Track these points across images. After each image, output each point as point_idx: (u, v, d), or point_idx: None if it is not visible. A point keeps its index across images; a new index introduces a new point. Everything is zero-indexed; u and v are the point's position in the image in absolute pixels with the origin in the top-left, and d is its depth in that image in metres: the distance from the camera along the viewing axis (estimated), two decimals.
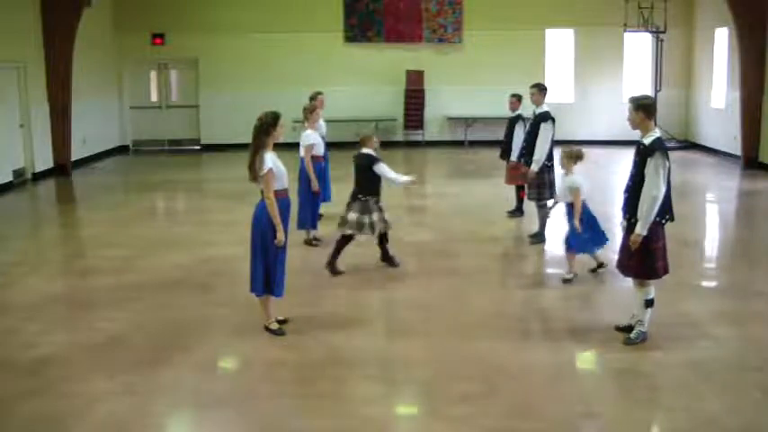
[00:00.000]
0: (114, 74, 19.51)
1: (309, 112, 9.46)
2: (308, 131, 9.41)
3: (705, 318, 6.74)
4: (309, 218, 9.37)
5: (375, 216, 7.86)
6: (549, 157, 9.41)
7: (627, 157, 17.62)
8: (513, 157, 10.27)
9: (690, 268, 8.55)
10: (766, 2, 15.08)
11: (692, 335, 6.28)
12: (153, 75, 20.22)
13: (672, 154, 20.25)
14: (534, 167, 9.27)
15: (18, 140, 14.64)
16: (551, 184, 9.31)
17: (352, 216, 7.86)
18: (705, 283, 8.16)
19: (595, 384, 5.44)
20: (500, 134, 10.30)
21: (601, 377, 5.58)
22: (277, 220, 6.17)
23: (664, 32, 18.54)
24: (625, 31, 18.71)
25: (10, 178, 14.21)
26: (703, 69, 18.86)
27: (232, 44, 19.36)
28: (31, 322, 6.75)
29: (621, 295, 7.18)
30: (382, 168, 7.84)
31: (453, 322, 6.65)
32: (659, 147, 5.98)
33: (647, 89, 19.66)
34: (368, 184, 7.91)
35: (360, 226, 7.82)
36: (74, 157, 16.17)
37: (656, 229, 6.05)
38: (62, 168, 15.69)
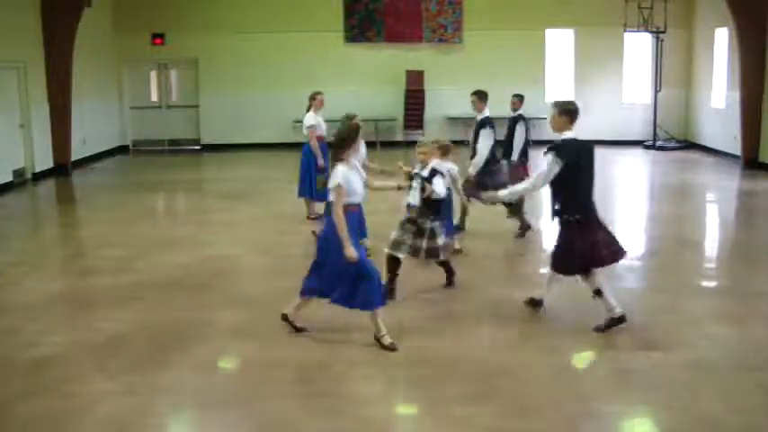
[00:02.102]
0: (114, 74, 19.52)
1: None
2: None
3: (705, 318, 6.73)
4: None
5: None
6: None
7: (627, 157, 17.71)
8: (514, 156, 10.27)
9: (690, 268, 8.56)
10: (766, 2, 15.08)
11: (692, 335, 6.28)
12: (153, 75, 20.23)
13: (672, 154, 20.20)
14: (472, 170, 9.60)
15: (18, 140, 14.65)
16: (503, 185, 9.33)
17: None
18: (705, 283, 8.16)
19: (595, 384, 5.44)
20: (500, 134, 10.30)
21: (601, 377, 5.58)
22: (344, 235, 5.76)
23: (664, 32, 18.54)
24: (625, 31, 18.71)
25: (10, 178, 14.21)
26: (703, 69, 18.86)
27: (232, 44, 19.37)
28: (31, 322, 6.75)
29: (622, 295, 7.17)
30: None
31: (453, 322, 6.65)
32: (558, 148, 6.16)
33: (647, 89, 19.71)
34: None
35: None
36: (74, 157, 16.18)
37: (569, 230, 6.23)
38: (62, 168, 15.69)
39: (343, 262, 5.79)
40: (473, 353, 5.90)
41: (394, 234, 7.15)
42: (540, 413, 4.95)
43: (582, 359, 5.96)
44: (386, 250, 7.14)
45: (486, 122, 9.66)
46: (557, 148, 6.15)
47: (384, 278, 6.62)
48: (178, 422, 5.11)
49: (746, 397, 5.16)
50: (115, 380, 5.48)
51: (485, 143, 9.59)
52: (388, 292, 6.78)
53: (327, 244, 5.97)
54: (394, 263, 7.14)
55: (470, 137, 10.38)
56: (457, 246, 8.64)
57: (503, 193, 6.70)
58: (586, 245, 6.18)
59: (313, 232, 9.32)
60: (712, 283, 8.19)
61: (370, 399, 5.19)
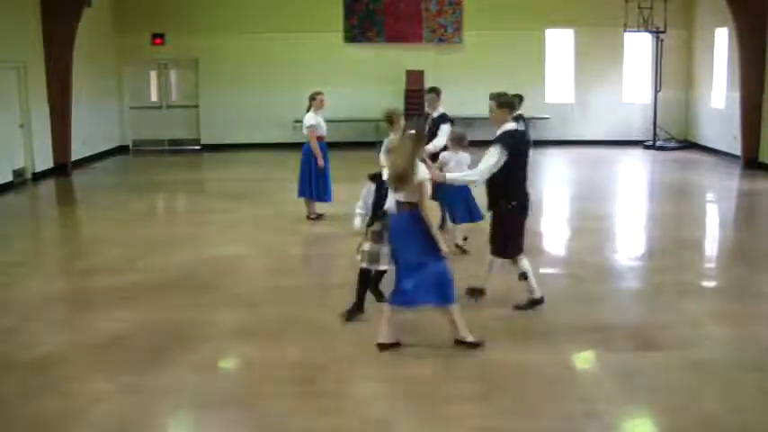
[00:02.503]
0: (114, 74, 19.51)
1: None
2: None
3: (705, 318, 6.73)
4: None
5: None
6: None
7: (627, 157, 17.71)
8: None
9: (690, 268, 8.56)
10: (766, 2, 15.08)
11: (692, 335, 6.28)
12: (153, 75, 20.21)
13: (672, 154, 20.17)
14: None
15: (18, 140, 14.64)
16: None
17: None
18: (705, 283, 8.16)
19: (595, 384, 5.44)
20: None
21: (601, 377, 5.58)
22: (435, 230, 5.77)
23: (664, 32, 18.53)
24: (625, 31, 18.70)
25: (10, 178, 14.20)
26: (703, 69, 18.85)
27: (232, 44, 19.35)
28: (31, 322, 6.75)
29: (622, 295, 7.19)
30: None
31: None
32: (501, 139, 6.42)
33: (646, 89, 19.71)
34: None
35: None
36: (74, 157, 16.17)
37: (507, 214, 6.57)
38: (62, 168, 15.69)
39: (417, 259, 5.71)
40: (472, 352, 5.90)
41: (367, 246, 6.37)
42: (540, 413, 4.95)
43: (582, 359, 5.96)
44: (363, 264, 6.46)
45: (446, 118, 10.12)
46: (502, 139, 6.40)
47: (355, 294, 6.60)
48: (178, 422, 5.11)
49: (746, 397, 5.16)
50: (115, 380, 5.48)
51: (442, 139, 9.48)
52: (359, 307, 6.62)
53: (401, 243, 5.86)
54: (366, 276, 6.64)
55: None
56: (460, 242, 8.72)
57: (450, 176, 6.81)
58: (522, 230, 6.69)
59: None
60: (712, 283, 8.19)
61: (370, 399, 5.19)
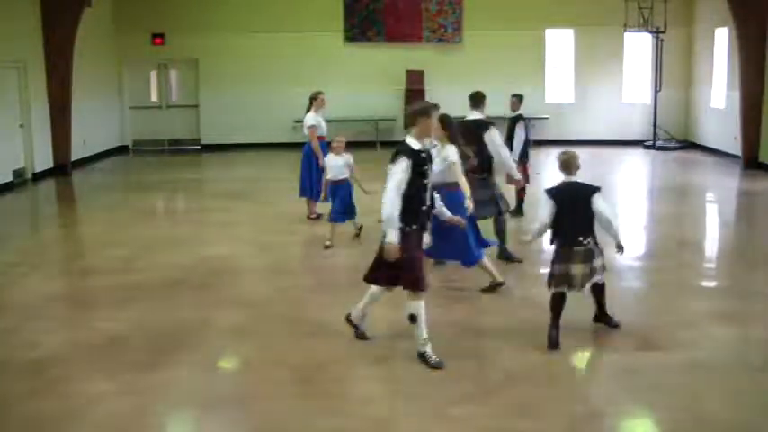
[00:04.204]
0: (114, 74, 19.51)
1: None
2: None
3: (705, 318, 6.73)
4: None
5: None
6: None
7: (627, 157, 17.70)
8: (515, 157, 10.27)
9: (690, 268, 8.56)
10: (766, 2, 15.08)
11: (692, 335, 6.27)
12: (153, 75, 20.22)
13: (672, 154, 20.13)
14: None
15: (18, 140, 14.64)
16: None
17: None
18: (705, 283, 8.16)
19: (595, 384, 5.44)
20: (500, 134, 10.30)
21: (601, 377, 5.58)
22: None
23: (664, 32, 18.53)
24: (625, 31, 18.69)
25: (10, 178, 14.20)
26: (703, 69, 18.84)
27: (232, 44, 19.35)
28: (31, 322, 6.75)
29: (622, 295, 7.18)
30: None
31: (453, 322, 6.64)
32: (397, 152, 5.71)
33: (647, 89, 19.70)
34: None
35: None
36: (74, 157, 16.17)
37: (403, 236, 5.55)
38: (62, 168, 15.69)
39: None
40: (472, 352, 5.90)
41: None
42: (540, 413, 4.95)
43: (582, 359, 5.95)
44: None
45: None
46: (398, 153, 5.76)
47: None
48: (178, 422, 5.11)
49: (746, 397, 5.16)
50: (115, 380, 5.48)
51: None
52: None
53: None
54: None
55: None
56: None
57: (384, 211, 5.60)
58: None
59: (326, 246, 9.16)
60: (712, 283, 8.19)
61: (370, 399, 5.19)
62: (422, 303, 5.64)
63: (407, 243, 5.57)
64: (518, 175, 8.90)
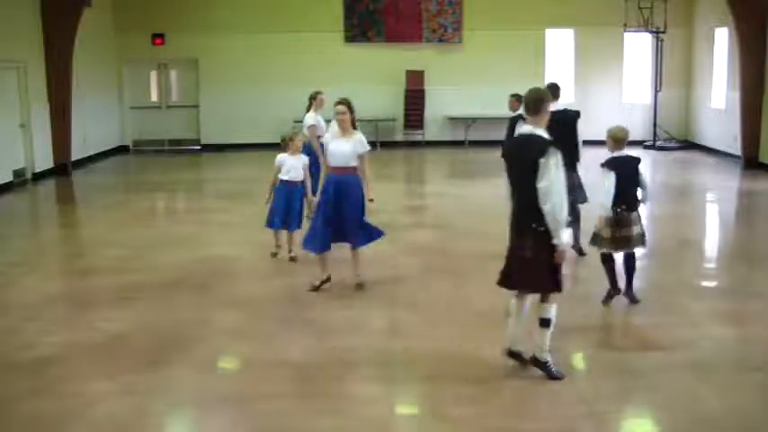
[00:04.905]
0: (114, 74, 19.51)
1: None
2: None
3: (705, 318, 6.73)
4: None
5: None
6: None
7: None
8: None
9: (690, 268, 8.56)
10: (766, 2, 15.08)
11: (692, 335, 6.27)
12: (153, 75, 20.22)
13: (672, 154, 20.11)
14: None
15: (18, 140, 14.64)
16: None
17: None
18: (705, 283, 8.15)
19: (595, 384, 5.44)
20: (500, 134, 10.29)
21: (601, 377, 5.58)
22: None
23: (664, 32, 18.53)
24: (625, 31, 18.69)
25: (10, 178, 14.20)
26: (703, 69, 18.85)
27: (232, 44, 19.35)
28: (31, 322, 6.75)
29: (621, 295, 7.17)
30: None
31: (453, 322, 6.65)
32: (546, 144, 5.26)
33: (647, 89, 19.70)
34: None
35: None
36: (74, 157, 16.17)
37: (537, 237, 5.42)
38: (62, 168, 15.69)
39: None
40: (473, 352, 5.90)
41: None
42: (540, 413, 4.95)
43: (582, 359, 5.95)
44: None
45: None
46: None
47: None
48: (178, 422, 5.11)
49: (746, 397, 5.16)
50: (115, 380, 5.48)
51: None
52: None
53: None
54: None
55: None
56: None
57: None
58: None
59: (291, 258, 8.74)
60: (712, 283, 8.19)
61: (370, 399, 5.18)
62: (555, 307, 5.37)
63: (541, 243, 5.23)
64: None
